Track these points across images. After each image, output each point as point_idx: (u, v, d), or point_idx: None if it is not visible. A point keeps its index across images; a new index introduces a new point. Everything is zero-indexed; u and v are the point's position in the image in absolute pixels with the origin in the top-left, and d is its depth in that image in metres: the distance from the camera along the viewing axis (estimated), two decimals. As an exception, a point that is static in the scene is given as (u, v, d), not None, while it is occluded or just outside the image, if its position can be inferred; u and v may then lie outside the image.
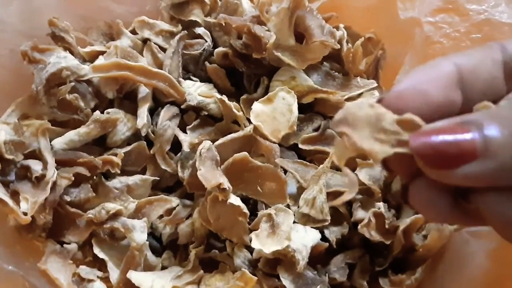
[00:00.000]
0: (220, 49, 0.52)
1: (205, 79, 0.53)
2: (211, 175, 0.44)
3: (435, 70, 0.26)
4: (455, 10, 0.48)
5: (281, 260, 0.45)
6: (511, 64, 0.27)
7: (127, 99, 0.52)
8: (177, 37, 0.52)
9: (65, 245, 0.46)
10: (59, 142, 0.48)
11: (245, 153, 0.46)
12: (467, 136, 0.23)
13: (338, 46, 0.49)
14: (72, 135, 0.48)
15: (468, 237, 0.45)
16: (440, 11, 0.49)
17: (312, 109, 0.52)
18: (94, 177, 0.48)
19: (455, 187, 0.24)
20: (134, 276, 0.45)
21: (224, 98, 0.50)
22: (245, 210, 0.46)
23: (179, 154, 0.51)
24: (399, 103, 0.25)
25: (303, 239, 0.44)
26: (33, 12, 0.51)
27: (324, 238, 0.48)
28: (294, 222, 0.46)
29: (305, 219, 0.47)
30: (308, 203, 0.47)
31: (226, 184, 0.44)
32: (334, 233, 0.49)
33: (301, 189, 0.49)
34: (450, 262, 0.46)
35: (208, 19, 0.54)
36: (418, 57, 0.50)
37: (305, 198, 0.47)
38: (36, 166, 0.46)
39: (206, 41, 0.53)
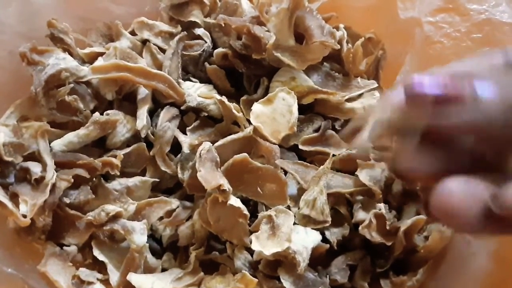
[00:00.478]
0: (219, 50, 0.52)
1: (204, 80, 0.53)
2: (211, 177, 0.44)
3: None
4: (455, 9, 0.48)
5: (281, 262, 0.45)
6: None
7: (127, 101, 0.51)
8: (176, 38, 0.52)
9: (64, 247, 0.46)
10: (58, 144, 0.48)
11: (245, 154, 0.46)
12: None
13: (338, 47, 0.49)
14: (71, 136, 0.48)
15: (470, 238, 0.44)
16: (440, 11, 0.49)
17: (312, 110, 0.52)
18: (94, 179, 0.48)
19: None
20: (134, 278, 0.45)
21: (224, 99, 0.49)
22: (245, 211, 0.45)
23: (179, 156, 0.50)
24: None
25: (304, 241, 0.44)
26: (32, 14, 0.51)
27: (324, 240, 0.47)
28: (295, 223, 0.46)
29: (306, 221, 0.47)
30: (308, 204, 0.46)
31: (226, 186, 0.43)
32: (335, 235, 0.48)
33: (301, 190, 0.48)
34: (452, 263, 0.45)
35: (208, 20, 0.54)
36: (418, 57, 0.50)
37: (306, 199, 0.47)
38: (35, 168, 0.45)
39: (206, 42, 0.53)
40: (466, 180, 0.25)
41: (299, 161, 0.50)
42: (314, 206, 0.46)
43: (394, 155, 0.28)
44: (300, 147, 0.50)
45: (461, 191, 0.24)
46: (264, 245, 0.44)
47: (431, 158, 0.26)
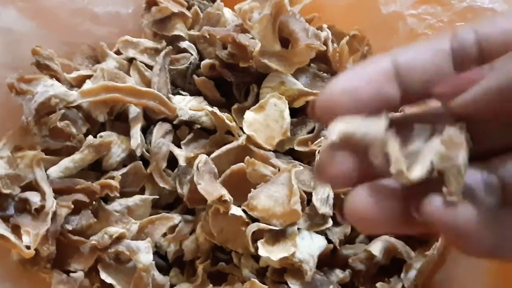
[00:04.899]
0: (206, 61, 0.52)
1: (194, 92, 0.53)
2: (212, 188, 0.44)
3: (368, 67, 0.27)
4: (436, 0, 0.49)
5: (288, 269, 0.45)
6: (460, 51, 0.26)
7: (118, 120, 0.51)
8: (162, 53, 0.52)
9: (71, 274, 0.46)
10: (55, 171, 0.48)
11: (242, 164, 0.46)
12: None
13: (324, 48, 0.49)
14: (67, 162, 0.48)
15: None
16: (421, 3, 0.49)
17: (304, 112, 0.52)
18: (94, 203, 0.47)
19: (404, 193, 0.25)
20: (143, 297, 0.45)
21: (216, 110, 0.49)
22: (247, 219, 0.46)
23: (176, 170, 0.51)
24: (328, 104, 0.26)
25: (310, 248, 0.44)
26: (15, 43, 0.50)
27: (327, 240, 0.48)
28: (298, 228, 0.46)
29: (308, 224, 0.47)
30: (324, 203, 0.47)
31: (227, 196, 0.44)
32: (336, 234, 0.49)
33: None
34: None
35: (192, 32, 0.54)
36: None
37: (321, 198, 0.47)
38: (34, 198, 0.45)
39: (192, 55, 0.53)
40: (375, 186, 0.25)
41: (293, 161, 0.50)
42: (327, 202, 0.46)
43: (317, 161, 0.28)
44: (296, 148, 0.51)
45: (368, 197, 0.25)
46: (270, 251, 0.44)
47: (349, 163, 0.26)
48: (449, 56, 0.26)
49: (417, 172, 0.24)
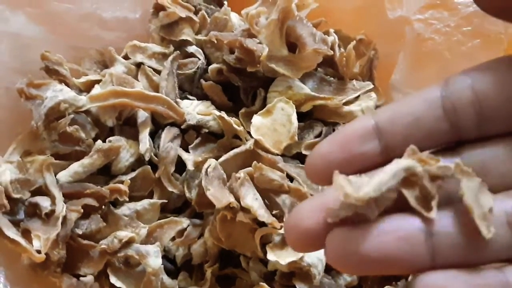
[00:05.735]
0: (214, 66, 0.52)
1: (201, 96, 0.53)
2: (221, 195, 0.44)
3: (349, 127, 0.28)
4: (443, 5, 0.49)
5: (296, 273, 0.46)
6: (451, 98, 0.27)
7: (127, 125, 0.52)
8: (170, 58, 0.52)
9: (81, 278, 0.46)
10: (64, 175, 0.48)
11: (250, 168, 0.47)
12: None
13: (332, 53, 0.49)
14: (76, 167, 0.48)
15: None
16: (428, 8, 0.50)
17: (311, 116, 0.52)
18: (103, 207, 0.48)
19: None
20: (153, 301, 0.45)
21: (223, 114, 0.50)
22: (255, 224, 0.46)
23: (184, 174, 0.51)
24: (323, 165, 0.27)
25: (318, 253, 0.45)
26: (23, 48, 0.51)
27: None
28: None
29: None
30: None
31: (235, 203, 0.44)
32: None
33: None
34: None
35: (199, 37, 0.54)
36: (411, 55, 0.51)
37: None
38: (44, 202, 0.46)
39: (199, 59, 0.53)
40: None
41: (301, 165, 0.50)
42: None
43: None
44: (303, 152, 0.51)
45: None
46: (279, 255, 0.44)
47: None
48: (438, 105, 0.27)
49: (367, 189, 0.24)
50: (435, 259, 0.24)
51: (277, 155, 0.49)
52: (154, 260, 0.46)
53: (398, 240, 0.24)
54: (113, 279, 0.46)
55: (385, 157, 0.27)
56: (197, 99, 0.53)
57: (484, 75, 0.27)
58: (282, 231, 0.44)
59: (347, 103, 0.51)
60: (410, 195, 0.25)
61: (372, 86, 0.52)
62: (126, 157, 0.50)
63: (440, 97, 0.27)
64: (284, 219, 0.45)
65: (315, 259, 0.44)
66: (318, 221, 0.25)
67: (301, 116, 0.50)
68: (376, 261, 0.24)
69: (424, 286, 0.23)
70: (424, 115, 0.27)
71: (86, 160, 0.48)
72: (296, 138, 0.49)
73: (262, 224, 0.47)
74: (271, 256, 0.44)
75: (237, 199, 0.44)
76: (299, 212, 0.26)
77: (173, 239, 0.50)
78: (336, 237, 0.25)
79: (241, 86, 0.52)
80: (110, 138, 0.49)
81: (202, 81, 0.52)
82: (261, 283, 0.46)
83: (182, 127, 0.51)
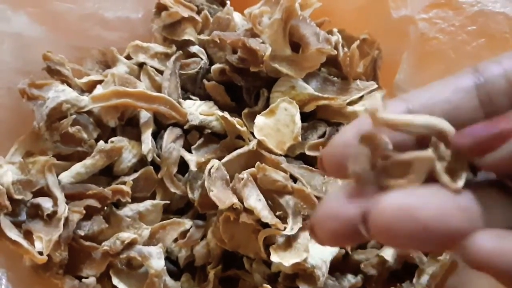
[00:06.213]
0: (216, 66, 0.52)
1: (204, 96, 0.53)
2: (224, 196, 0.44)
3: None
4: (447, 4, 0.48)
5: (300, 274, 0.45)
6: (486, 87, 0.25)
7: (129, 125, 0.51)
8: (172, 58, 0.52)
9: (83, 280, 0.46)
10: (66, 176, 0.48)
11: (253, 169, 0.46)
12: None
13: (335, 52, 0.49)
14: (78, 167, 0.48)
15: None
16: (432, 7, 0.49)
17: (315, 117, 0.52)
18: (105, 208, 0.47)
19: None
20: (156, 303, 0.45)
21: (226, 114, 0.49)
22: (258, 226, 0.46)
23: (186, 175, 0.50)
24: (335, 158, 0.25)
25: (322, 253, 0.44)
26: (25, 48, 0.51)
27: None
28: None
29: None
30: None
31: (239, 204, 0.43)
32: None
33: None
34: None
35: (202, 36, 0.54)
36: (415, 54, 0.50)
37: None
38: (46, 203, 0.45)
39: (202, 59, 0.53)
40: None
41: (304, 166, 0.50)
42: None
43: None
44: (307, 152, 0.50)
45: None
46: (282, 256, 0.44)
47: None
48: (473, 93, 0.25)
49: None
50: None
51: (281, 155, 0.48)
52: (156, 261, 0.46)
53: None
54: (115, 281, 0.46)
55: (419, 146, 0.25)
56: (200, 99, 0.52)
57: None
58: (285, 232, 0.44)
59: (351, 103, 0.51)
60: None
61: (376, 86, 0.52)
62: (128, 158, 0.49)
63: (474, 86, 0.26)
64: (287, 220, 0.45)
65: (319, 260, 0.44)
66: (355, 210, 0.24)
67: (304, 116, 0.50)
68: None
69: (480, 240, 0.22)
70: (461, 103, 0.25)
71: (88, 161, 0.48)
72: (300, 138, 0.49)
73: (266, 225, 0.46)
74: (274, 257, 0.44)
75: (240, 200, 0.44)
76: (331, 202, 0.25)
77: (175, 240, 0.49)
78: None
79: (244, 86, 0.52)
80: (112, 139, 0.49)
81: (205, 81, 0.52)
82: (265, 285, 0.46)
83: (185, 127, 0.51)
